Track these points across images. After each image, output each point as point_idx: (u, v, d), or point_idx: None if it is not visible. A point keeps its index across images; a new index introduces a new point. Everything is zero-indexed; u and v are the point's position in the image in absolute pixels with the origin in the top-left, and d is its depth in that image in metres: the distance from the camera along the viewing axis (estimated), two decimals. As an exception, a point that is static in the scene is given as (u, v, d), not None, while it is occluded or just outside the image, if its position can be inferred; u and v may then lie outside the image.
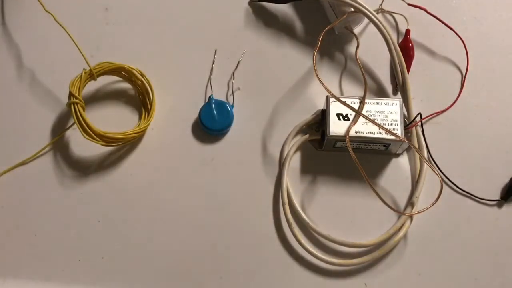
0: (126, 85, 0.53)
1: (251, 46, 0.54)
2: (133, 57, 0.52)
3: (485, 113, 0.52)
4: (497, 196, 0.49)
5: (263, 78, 0.53)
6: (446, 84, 0.53)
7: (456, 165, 0.50)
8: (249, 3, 0.56)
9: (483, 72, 0.53)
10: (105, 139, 0.48)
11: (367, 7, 0.50)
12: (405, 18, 0.54)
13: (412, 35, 0.54)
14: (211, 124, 0.50)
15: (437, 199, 0.45)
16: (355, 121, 0.47)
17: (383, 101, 0.48)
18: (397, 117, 0.47)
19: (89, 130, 0.47)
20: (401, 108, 0.48)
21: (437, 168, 0.50)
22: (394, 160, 0.50)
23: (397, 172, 0.50)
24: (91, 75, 0.49)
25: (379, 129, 0.46)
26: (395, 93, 0.53)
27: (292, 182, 0.50)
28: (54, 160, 0.50)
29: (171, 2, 0.56)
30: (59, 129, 0.51)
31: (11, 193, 0.50)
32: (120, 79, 0.52)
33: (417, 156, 0.49)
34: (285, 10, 0.56)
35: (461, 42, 0.53)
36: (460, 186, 0.49)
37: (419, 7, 0.53)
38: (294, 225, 0.47)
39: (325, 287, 0.47)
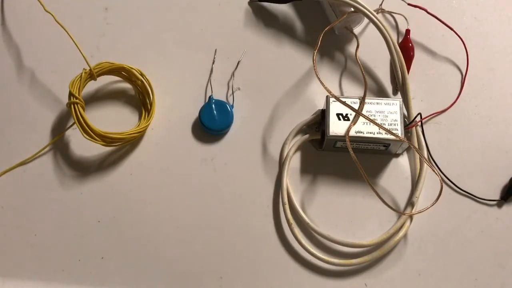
0: (126, 85, 0.53)
1: (251, 46, 0.54)
2: (133, 57, 0.53)
3: (485, 113, 0.52)
4: (497, 196, 0.49)
5: (263, 78, 0.53)
6: (446, 84, 0.53)
7: (456, 165, 0.50)
8: (249, 3, 0.56)
9: (483, 72, 0.53)
10: (105, 139, 0.48)
11: (367, 7, 0.50)
12: (405, 18, 0.54)
13: (412, 35, 0.54)
14: (211, 124, 0.50)
15: (437, 199, 0.45)
16: (355, 121, 0.47)
17: (383, 101, 0.48)
18: (397, 117, 0.47)
19: (89, 130, 0.47)
20: (401, 108, 0.48)
21: (437, 168, 0.50)
22: (394, 160, 0.50)
23: (397, 172, 0.50)
24: (91, 75, 0.49)
25: (379, 129, 0.46)
26: (395, 93, 0.53)
27: (292, 182, 0.50)
28: (54, 160, 0.50)
29: (171, 2, 0.56)
30: (59, 129, 0.51)
31: (11, 193, 0.50)
32: (120, 79, 0.52)
33: (417, 156, 0.49)
34: (285, 10, 0.56)
35: (461, 42, 0.53)
36: (460, 186, 0.49)
37: (419, 7, 0.53)
38: (294, 225, 0.47)
39: (325, 287, 0.47)
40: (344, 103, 0.47)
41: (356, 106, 0.47)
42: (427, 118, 0.51)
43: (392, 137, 0.46)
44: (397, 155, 0.50)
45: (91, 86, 0.52)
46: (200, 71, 0.53)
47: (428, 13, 0.53)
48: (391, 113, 0.47)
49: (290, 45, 0.54)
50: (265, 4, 0.56)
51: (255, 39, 0.55)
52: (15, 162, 0.50)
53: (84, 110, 0.48)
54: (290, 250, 0.48)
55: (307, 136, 0.50)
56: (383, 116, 0.47)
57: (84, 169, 0.50)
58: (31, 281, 0.47)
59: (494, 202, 0.49)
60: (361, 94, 0.48)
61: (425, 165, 0.48)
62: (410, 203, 0.48)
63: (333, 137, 0.47)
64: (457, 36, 0.53)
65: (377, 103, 0.48)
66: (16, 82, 0.53)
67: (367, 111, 0.47)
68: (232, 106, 0.51)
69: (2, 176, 0.50)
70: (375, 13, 0.51)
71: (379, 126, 0.46)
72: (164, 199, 0.49)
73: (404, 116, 0.50)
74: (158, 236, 0.48)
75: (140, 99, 0.52)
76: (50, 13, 0.50)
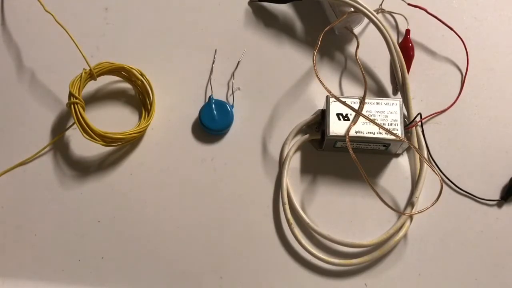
0: (126, 85, 0.53)
1: (251, 46, 0.54)
2: (133, 57, 0.53)
3: (485, 113, 0.52)
4: (497, 196, 0.49)
5: (263, 78, 0.53)
6: (446, 84, 0.53)
7: (456, 165, 0.50)
8: (249, 3, 0.56)
9: (483, 72, 0.53)
10: (105, 139, 0.48)
11: (367, 7, 0.50)
12: (405, 18, 0.54)
13: (412, 35, 0.54)
14: (211, 124, 0.50)
15: (437, 199, 0.45)
16: (355, 121, 0.47)
17: (383, 101, 0.48)
18: (397, 117, 0.47)
19: (89, 130, 0.47)
20: (401, 108, 0.48)
21: (437, 168, 0.50)
22: (394, 160, 0.50)
23: (397, 172, 0.50)
24: (91, 75, 0.49)
25: (379, 129, 0.46)
26: (395, 93, 0.53)
27: (292, 182, 0.50)
28: (54, 160, 0.50)
29: (171, 2, 0.56)
30: (59, 129, 0.51)
31: (11, 193, 0.50)
32: (120, 79, 0.52)
33: (417, 156, 0.49)
34: (285, 10, 0.56)
35: (461, 42, 0.53)
36: (460, 186, 0.49)
37: (419, 7, 0.53)
38: (294, 225, 0.47)
39: (325, 287, 0.47)
40: (344, 103, 0.47)
41: (356, 106, 0.47)
42: (427, 118, 0.51)
43: (392, 137, 0.46)
44: (397, 155, 0.50)
45: (91, 86, 0.52)
46: (200, 71, 0.53)
47: (428, 13, 0.53)
48: (391, 113, 0.47)
49: (290, 45, 0.54)
50: (265, 4, 0.56)
51: (255, 39, 0.55)
52: (15, 162, 0.50)
53: (84, 110, 0.48)
54: (290, 250, 0.48)
55: (307, 136, 0.50)
56: (383, 116, 0.47)
57: (84, 169, 0.50)
58: (31, 281, 0.47)
59: (494, 202, 0.49)
60: (361, 94, 0.48)
61: (425, 165, 0.48)
62: (410, 203, 0.48)
63: (333, 137, 0.47)
64: (457, 36, 0.53)
65: (377, 103, 0.48)
66: (16, 82, 0.53)
67: (367, 111, 0.47)
68: (232, 106, 0.51)
69: (2, 176, 0.50)
70: (375, 13, 0.51)
71: (379, 126, 0.46)
72: (164, 199, 0.49)
73: (404, 116, 0.50)
74: (158, 236, 0.48)
75: (140, 99, 0.52)
76: (50, 13, 0.50)
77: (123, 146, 0.51)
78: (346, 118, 0.47)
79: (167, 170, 0.50)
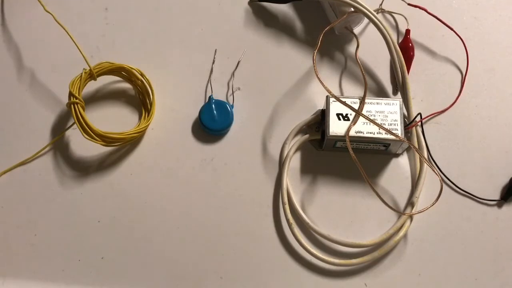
0: (126, 85, 0.53)
1: (251, 46, 0.54)
2: (133, 57, 0.53)
3: (485, 113, 0.52)
4: (497, 196, 0.49)
5: (263, 78, 0.53)
6: (446, 84, 0.53)
7: (456, 165, 0.50)
8: (249, 3, 0.56)
9: (483, 72, 0.53)
10: (105, 139, 0.48)
11: (367, 7, 0.50)
12: (405, 18, 0.54)
13: (412, 35, 0.54)
14: (211, 124, 0.50)
15: (437, 199, 0.45)
16: (355, 121, 0.47)
17: (383, 101, 0.48)
18: (397, 117, 0.47)
19: (89, 130, 0.47)
20: (401, 108, 0.48)
21: (437, 168, 0.50)
22: (394, 160, 0.50)
23: (397, 172, 0.50)
24: (91, 75, 0.49)
25: (379, 129, 0.46)
26: (395, 93, 0.53)
27: (292, 182, 0.50)
28: (54, 160, 0.50)
29: (171, 2, 0.56)
30: (59, 129, 0.51)
31: (11, 193, 0.50)
32: (120, 79, 0.52)
33: (417, 156, 0.49)
34: (285, 10, 0.56)
35: (461, 42, 0.53)
36: (460, 186, 0.49)
37: (419, 7, 0.53)
38: (294, 225, 0.47)
39: (325, 287, 0.47)
40: (344, 103, 0.47)
41: (356, 106, 0.47)
42: (427, 118, 0.51)
43: (392, 137, 0.46)
44: (397, 155, 0.50)
45: (91, 86, 0.52)
46: (200, 71, 0.53)
47: (428, 13, 0.53)
48: (391, 113, 0.47)
49: (290, 45, 0.54)
50: (265, 4, 0.56)
51: (255, 39, 0.55)
52: (15, 162, 0.50)
53: (84, 110, 0.48)
54: (290, 250, 0.48)
55: (307, 136, 0.50)
56: (383, 116, 0.47)
57: (84, 169, 0.50)
58: (31, 281, 0.47)
59: (494, 202, 0.49)
60: (361, 94, 0.48)
61: (425, 165, 0.48)
62: (410, 203, 0.48)
63: (333, 137, 0.47)
64: (457, 36, 0.53)
65: (377, 103, 0.48)
66: (16, 82, 0.53)
67: (367, 111, 0.47)
68: (232, 106, 0.51)
69: (2, 176, 0.50)
70: (375, 13, 0.51)
71: (379, 126, 0.46)
72: (164, 199, 0.49)
73: (404, 116, 0.50)
74: (158, 236, 0.48)
75: (140, 99, 0.52)
76: (50, 13, 0.50)
77: (123, 146, 0.51)
78: (346, 118, 0.47)
79: (167, 170, 0.50)
